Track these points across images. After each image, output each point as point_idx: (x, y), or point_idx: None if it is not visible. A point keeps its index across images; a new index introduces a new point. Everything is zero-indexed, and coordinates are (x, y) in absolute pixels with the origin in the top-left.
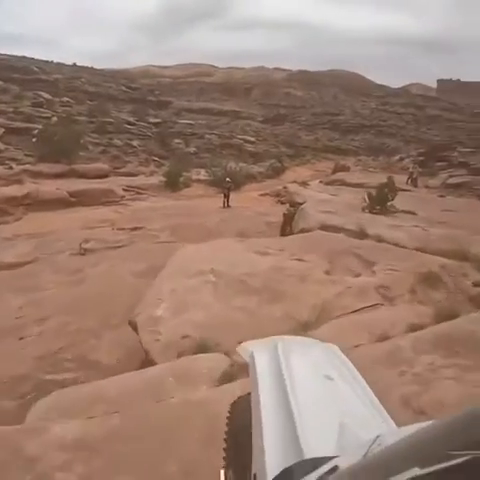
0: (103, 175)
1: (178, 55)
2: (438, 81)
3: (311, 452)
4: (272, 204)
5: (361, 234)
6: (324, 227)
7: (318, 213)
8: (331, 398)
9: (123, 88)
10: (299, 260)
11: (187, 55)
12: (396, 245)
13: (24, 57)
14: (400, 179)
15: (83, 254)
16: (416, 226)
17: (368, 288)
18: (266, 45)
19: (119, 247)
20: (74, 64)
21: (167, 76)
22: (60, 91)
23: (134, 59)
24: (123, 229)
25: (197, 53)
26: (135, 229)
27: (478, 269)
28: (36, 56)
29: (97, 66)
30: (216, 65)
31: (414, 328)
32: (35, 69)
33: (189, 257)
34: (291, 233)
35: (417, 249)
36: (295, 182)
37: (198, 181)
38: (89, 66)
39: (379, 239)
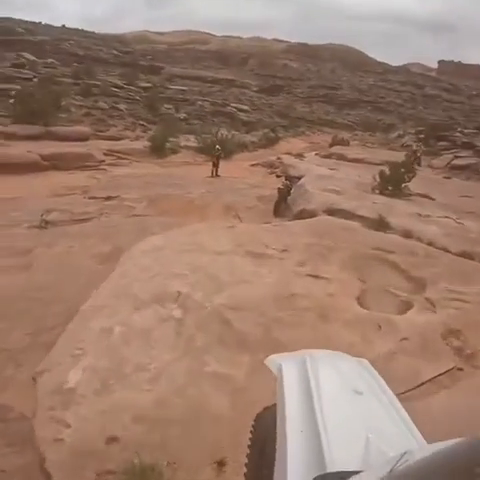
0: (83, 138)
1: (174, 22)
2: (439, 62)
3: (335, 466)
4: (264, 175)
5: (381, 225)
6: (331, 211)
7: (321, 192)
8: (359, 412)
9: (114, 52)
10: (314, 276)
11: (183, 22)
12: (431, 245)
13: (9, 18)
14: (400, 156)
15: (44, 227)
16: (446, 217)
17: (432, 337)
18: (264, 16)
19: (85, 220)
20: (63, 26)
21: (163, 42)
22: (45, 53)
23: (129, 24)
24: (95, 198)
25: (193, 20)
26: (109, 198)
27: None
28: (25, 18)
29: (89, 29)
30: (212, 33)
31: None
32: (20, 30)
33: (147, 262)
34: (286, 211)
35: (464, 255)
36: (289, 153)
37: (186, 147)
38: (80, 28)
39: (407, 234)
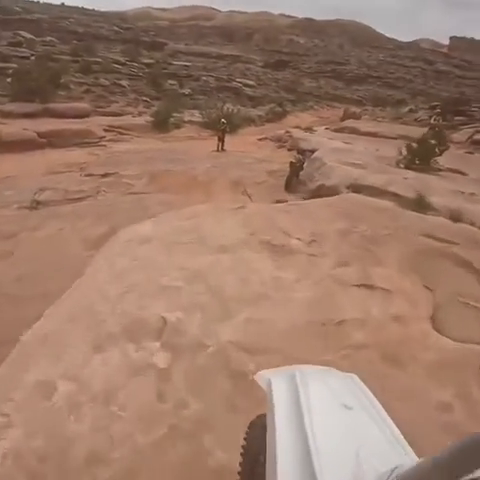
0: (83, 115)
1: None
2: (451, 38)
3: None
4: (273, 150)
5: (421, 205)
6: (356, 187)
7: (341, 165)
8: (349, 428)
9: (115, 29)
10: (367, 287)
11: None
12: None
13: None
14: (416, 131)
15: (34, 208)
16: None
17: None
18: None
19: (80, 199)
20: (62, 4)
21: (166, 19)
22: (44, 31)
23: (131, 2)
24: (92, 175)
25: None
26: (106, 175)
27: None
28: None
29: (89, 7)
30: (217, 8)
31: None
32: (17, 9)
33: (124, 264)
34: (299, 186)
35: None
36: (299, 127)
37: (191, 122)
38: (79, 6)
39: (454, 216)
